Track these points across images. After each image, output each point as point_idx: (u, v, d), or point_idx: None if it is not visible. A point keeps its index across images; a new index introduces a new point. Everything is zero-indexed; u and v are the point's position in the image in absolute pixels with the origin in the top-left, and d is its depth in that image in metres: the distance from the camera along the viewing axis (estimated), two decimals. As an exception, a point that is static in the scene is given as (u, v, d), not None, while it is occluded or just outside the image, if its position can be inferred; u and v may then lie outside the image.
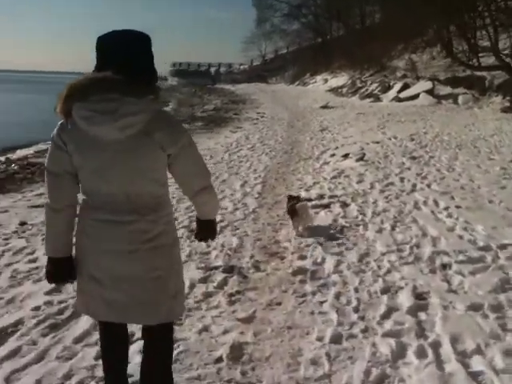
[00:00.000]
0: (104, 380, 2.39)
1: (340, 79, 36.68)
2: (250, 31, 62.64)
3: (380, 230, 5.16)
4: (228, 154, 10.86)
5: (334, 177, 7.81)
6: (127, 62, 1.90)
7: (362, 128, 14.21)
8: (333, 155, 9.93)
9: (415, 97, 22.41)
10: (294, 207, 5.12)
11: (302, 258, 4.49)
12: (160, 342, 2.21)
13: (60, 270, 2.09)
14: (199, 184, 2.14)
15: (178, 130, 2.02)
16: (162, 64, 79.32)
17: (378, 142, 11.14)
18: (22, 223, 5.63)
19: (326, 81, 40.66)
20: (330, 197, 6.50)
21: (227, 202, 6.55)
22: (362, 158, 8.91)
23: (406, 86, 24.22)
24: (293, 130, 15.07)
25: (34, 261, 4.48)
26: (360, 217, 5.66)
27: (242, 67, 71.59)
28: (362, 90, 28.19)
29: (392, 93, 24.26)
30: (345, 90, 31.61)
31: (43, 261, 3.94)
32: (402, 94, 23.37)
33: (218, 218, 5.41)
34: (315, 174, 8.26)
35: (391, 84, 25.60)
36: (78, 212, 2.10)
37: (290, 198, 5.44)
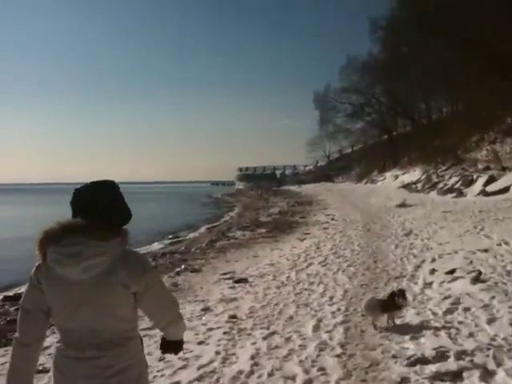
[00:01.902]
0: None
1: (412, 174, 34.45)
2: (314, 133, 62.20)
3: None
4: (295, 271, 8.74)
5: (449, 311, 5.45)
6: (96, 209, 2.08)
7: (456, 230, 11.77)
8: (433, 271, 7.56)
9: (505, 190, 19.74)
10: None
11: None
12: None
13: None
14: (165, 320, 2.21)
15: (141, 269, 2.08)
16: (232, 170, 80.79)
17: (486, 251, 8.68)
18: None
19: (396, 177, 38.54)
20: (458, 355, 4.12)
21: (294, 364, 4.34)
22: (478, 278, 6.50)
23: (492, 179, 21.63)
24: (370, 234, 12.83)
25: None
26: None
27: (307, 168, 71.13)
28: (440, 185, 25.77)
29: (477, 187, 21.68)
30: (420, 185, 29.30)
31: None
32: (489, 188, 20.75)
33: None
34: (418, 304, 5.92)
35: (474, 177, 23.05)
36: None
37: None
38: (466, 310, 5.40)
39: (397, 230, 13.06)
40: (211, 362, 4.59)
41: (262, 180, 70.57)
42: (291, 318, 5.86)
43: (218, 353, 4.81)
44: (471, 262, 7.74)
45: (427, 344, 4.45)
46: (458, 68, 30.15)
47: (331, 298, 6.65)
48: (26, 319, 2.11)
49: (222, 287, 7.99)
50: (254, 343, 5.01)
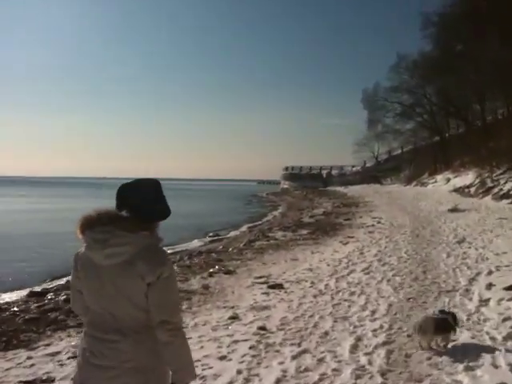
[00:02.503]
0: None
1: (465, 178, 32.82)
2: (362, 133, 60.63)
3: None
4: (335, 278, 8.08)
5: (509, 336, 4.69)
6: (132, 203, 2.22)
7: (515, 239, 10.81)
8: (490, 286, 6.76)
9: None
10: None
11: None
12: None
13: None
14: (159, 316, 2.15)
15: (158, 261, 2.16)
16: (279, 169, 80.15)
17: (550, 264, 7.79)
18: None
19: (448, 180, 36.89)
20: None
21: (326, 393, 3.74)
22: (544, 297, 5.69)
23: (552, 185, 20.21)
24: (419, 240, 11.98)
25: None
26: None
27: (354, 169, 69.51)
28: (496, 190, 24.37)
29: (536, 192, 20.32)
30: (473, 189, 27.86)
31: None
32: (550, 194, 19.39)
33: None
34: (473, 325, 5.18)
35: (533, 182, 21.61)
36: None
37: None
38: (532, 336, 4.63)
39: (448, 237, 12.15)
40: (230, 383, 4.04)
41: (308, 180, 69.47)
42: (326, 333, 5.23)
43: (239, 372, 4.26)
44: (534, 277, 6.89)
45: (485, 378, 3.76)
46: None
47: (373, 312, 5.98)
48: (71, 295, 2.38)
49: (255, 292, 7.43)
50: (282, 363, 4.43)
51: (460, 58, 35.79)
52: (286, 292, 7.35)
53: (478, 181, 29.53)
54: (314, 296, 6.94)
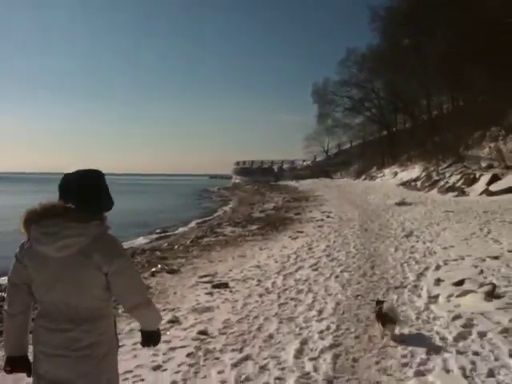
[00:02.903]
0: None
1: (412, 172, 33.47)
2: (312, 128, 61.02)
3: None
4: (282, 275, 7.79)
5: (460, 336, 4.49)
6: (78, 194, 2.25)
7: (461, 232, 10.85)
8: (438, 281, 6.62)
9: (509, 190, 18.85)
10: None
11: None
12: None
13: (16, 367, 2.32)
14: (133, 301, 2.29)
15: (114, 251, 2.23)
16: (230, 164, 79.55)
17: (496, 258, 7.76)
18: None
19: (395, 174, 37.56)
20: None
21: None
22: (492, 293, 5.56)
23: (495, 178, 20.70)
24: (368, 234, 11.89)
25: None
26: None
27: (305, 163, 69.95)
28: (441, 183, 24.85)
29: (480, 186, 20.77)
30: (419, 183, 28.37)
31: None
32: (493, 187, 19.83)
33: None
34: (422, 324, 4.98)
35: (477, 175, 22.09)
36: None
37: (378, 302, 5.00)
38: (482, 335, 4.45)
39: (396, 231, 12.12)
40: (163, 398, 3.66)
41: (259, 174, 69.38)
42: (271, 336, 4.90)
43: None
44: (481, 272, 6.81)
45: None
46: (460, 62, 29.06)
47: (320, 311, 5.70)
48: (11, 292, 2.31)
49: (199, 293, 7.03)
50: (221, 372, 4.06)
51: (407, 52, 36.31)
52: (231, 291, 6.99)
53: (424, 174, 30.12)
54: (260, 295, 6.62)
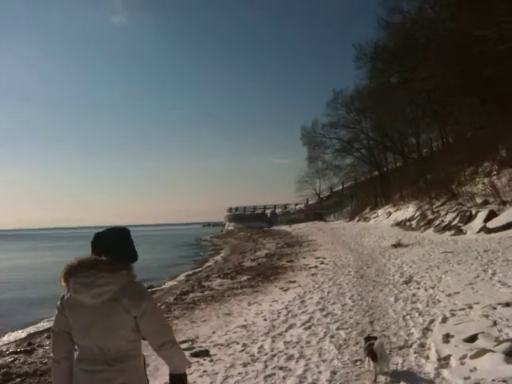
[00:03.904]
0: None
1: (406, 211, 32.85)
2: (303, 171, 60.78)
3: None
4: (271, 337, 6.92)
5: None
6: (108, 248, 2.60)
7: (463, 276, 10.04)
8: (447, 338, 5.78)
9: (508, 226, 18.05)
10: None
11: None
12: None
13: None
14: (159, 341, 2.57)
15: (140, 296, 2.54)
16: (222, 210, 78.81)
17: (508, 305, 6.93)
18: None
19: (389, 214, 36.93)
20: None
21: None
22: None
23: (492, 214, 19.98)
24: (364, 282, 11.05)
25: None
26: None
27: (297, 207, 69.37)
28: (437, 222, 24.12)
29: (477, 223, 20.02)
30: (414, 222, 27.65)
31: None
32: (491, 224, 19.08)
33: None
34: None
35: (473, 212, 21.42)
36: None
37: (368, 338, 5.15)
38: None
39: (394, 276, 11.29)
40: None
41: (253, 220, 68.61)
42: (253, 425, 4.04)
43: None
44: (495, 323, 5.97)
45: None
46: (448, 97, 28.92)
47: (313, 384, 4.84)
48: (54, 340, 2.66)
49: (175, 364, 6.13)
50: None
51: (394, 89, 36.25)
52: (211, 360, 6.11)
53: (418, 213, 29.45)
54: (244, 365, 5.74)
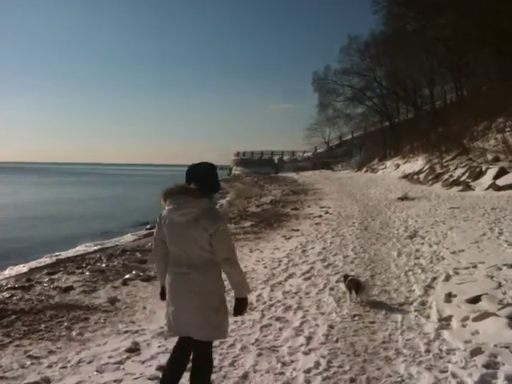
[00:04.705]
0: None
1: (414, 164, 32.39)
2: (313, 118, 59.74)
3: None
4: (269, 286, 6.85)
5: (485, 381, 3.54)
6: (198, 179, 3.28)
7: (469, 233, 9.85)
8: (449, 297, 5.65)
9: (518, 184, 17.78)
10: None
11: None
12: (204, 356, 3.35)
13: (163, 293, 3.47)
14: (222, 256, 3.20)
15: (216, 220, 3.20)
16: (229, 155, 78.22)
17: (514, 266, 6.78)
18: None
19: (397, 166, 36.46)
20: None
21: None
22: (517, 316, 4.59)
23: (502, 172, 19.56)
24: (368, 234, 10.92)
25: None
26: None
27: (305, 154, 68.79)
28: (445, 177, 23.76)
29: (486, 180, 19.67)
30: (422, 176, 27.26)
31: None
32: (500, 182, 18.72)
33: None
34: (434, 361, 4.01)
35: (483, 169, 21.03)
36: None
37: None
38: (511, 379, 3.49)
39: (399, 230, 11.15)
40: None
41: (259, 166, 68.19)
42: (245, 377, 3.96)
43: None
44: (499, 285, 5.82)
45: None
46: (464, 47, 27.83)
47: (309, 338, 4.74)
48: (155, 245, 3.50)
49: (171, 308, 6.09)
50: None
51: (410, 37, 34.92)
52: (208, 307, 6.04)
53: (427, 167, 29.02)
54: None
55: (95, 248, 12.64)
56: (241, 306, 3.27)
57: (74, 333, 5.34)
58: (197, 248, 3.16)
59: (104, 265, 9.17)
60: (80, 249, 12.66)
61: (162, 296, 3.48)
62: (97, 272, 8.38)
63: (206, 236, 3.13)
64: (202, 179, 3.25)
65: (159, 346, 4.72)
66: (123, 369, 4.25)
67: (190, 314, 3.19)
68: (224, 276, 3.27)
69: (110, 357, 4.52)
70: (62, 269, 8.99)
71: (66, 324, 5.65)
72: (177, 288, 3.24)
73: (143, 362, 4.36)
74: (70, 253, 11.94)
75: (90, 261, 9.83)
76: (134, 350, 4.68)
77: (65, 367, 4.36)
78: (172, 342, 4.78)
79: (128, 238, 14.97)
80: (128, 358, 4.49)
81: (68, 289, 7.19)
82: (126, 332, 5.28)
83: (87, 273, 8.35)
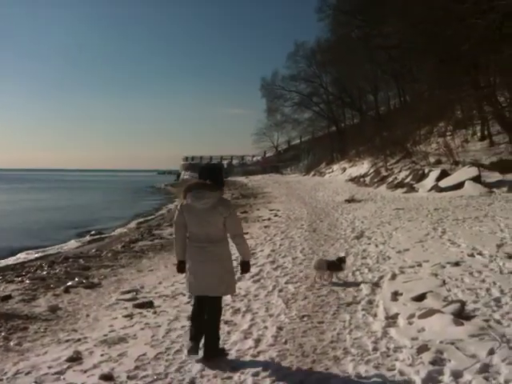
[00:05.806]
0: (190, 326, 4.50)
1: (360, 167, 33.13)
2: (262, 123, 60.02)
3: None
4: (219, 289, 6.72)
5: (432, 379, 3.56)
6: (210, 176, 4.34)
7: (414, 233, 10.10)
8: (395, 295, 5.73)
9: (459, 186, 18.37)
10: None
11: None
12: (216, 307, 4.41)
13: (180, 266, 4.47)
14: (235, 232, 4.34)
15: (229, 206, 4.32)
16: (178, 159, 77.26)
17: (457, 264, 6.96)
18: None
19: (344, 169, 37.18)
20: None
21: None
22: (460, 313, 4.68)
23: (444, 174, 20.27)
24: (316, 236, 11.00)
25: None
26: None
27: (255, 159, 69.01)
28: (390, 179, 24.38)
29: (429, 181, 20.29)
30: (368, 179, 27.90)
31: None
32: (442, 183, 19.37)
33: None
34: (381, 359, 4.02)
35: (426, 171, 21.70)
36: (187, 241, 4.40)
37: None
38: (457, 375, 3.53)
39: (346, 231, 11.30)
40: None
41: (208, 170, 67.87)
42: (192, 382, 3.83)
43: None
44: (444, 283, 5.96)
45: None
46: (407, 55, 28.66)
47: (258, 340, 4.67)
48: (176, 229, 4.48)
49: (116, 315, 5.87)
50: None
51: (355, 44, 35.67)
52: (155, 312, 5.88)
53: (372, 170, 29.74)
54: (189, 318, 5.52)
55: (36, 255, 12.15)
56: (246, 266, 4.49)
57: (11, 343, 5.05)
58: (214, 227, 4.21)
59: (45, 272, 8.79)
60: (20, 256, 12.16)
61: (180, 269, 4.45)
62: (37, 280, 8.00)
63: (222, 219, 4.19)
64: (214, 176, 4.31)
65: (102, 355, 4.52)
66: (64, 379, 4.03)
67: (207, 277, 4.21)
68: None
69: (49, 367, 4.28)
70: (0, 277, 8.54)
71: (3, 334, 5.34)
72: (198, 258, 4.23)
73: (85, 372, 4.15)
74: (10, 261, 11.46)
75: (30, 268, 9.41)
76: (76, 359, 4.45)
77: (0, 380, 4.10)
78: (115, 350, 4.63)
79: (71, 245, 14.48)
80: (69, 367, 4.26)
81: (6, 298, 6.82)
82: (67, 341, 5.03)
83: (27, 281, 7.97)
